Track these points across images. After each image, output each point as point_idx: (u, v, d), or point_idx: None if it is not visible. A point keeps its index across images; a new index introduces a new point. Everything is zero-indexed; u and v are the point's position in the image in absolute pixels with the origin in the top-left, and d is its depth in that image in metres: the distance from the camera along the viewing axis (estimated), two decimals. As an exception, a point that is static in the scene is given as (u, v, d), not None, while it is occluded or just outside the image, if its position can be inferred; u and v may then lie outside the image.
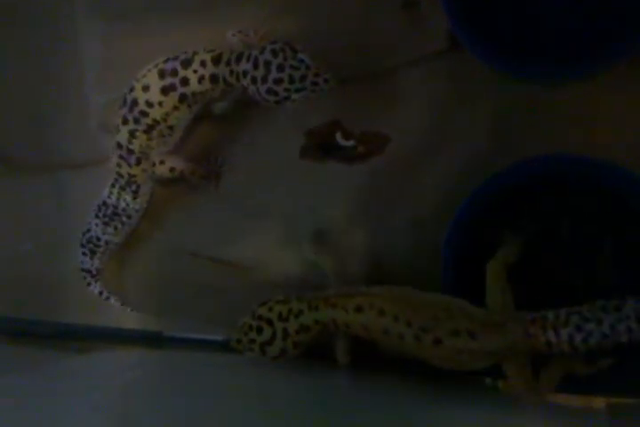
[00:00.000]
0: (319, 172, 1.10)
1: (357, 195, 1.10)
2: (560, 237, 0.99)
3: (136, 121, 1.07)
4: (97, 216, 1.16)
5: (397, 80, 1.07)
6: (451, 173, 1.05)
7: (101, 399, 0.89)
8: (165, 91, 1.04)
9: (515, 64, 0.99)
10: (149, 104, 1.05)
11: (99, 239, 1.17)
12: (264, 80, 0.98)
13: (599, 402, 0.98)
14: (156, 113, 1.06)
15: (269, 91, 0.98)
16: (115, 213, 1.15)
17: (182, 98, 1.05)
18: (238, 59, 1.02)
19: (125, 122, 1.07)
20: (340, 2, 1.08)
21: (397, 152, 1.06)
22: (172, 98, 1.05)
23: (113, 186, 1.14)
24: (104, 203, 1.15)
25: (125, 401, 0.91)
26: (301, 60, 0.97)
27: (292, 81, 0.97)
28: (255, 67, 0.99)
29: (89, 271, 1.19)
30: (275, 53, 0.98)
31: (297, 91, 0.98)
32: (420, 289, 0.97)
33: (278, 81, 0.97)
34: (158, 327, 1.20)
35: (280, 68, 0.97)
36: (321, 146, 1.09)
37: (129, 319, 1.20)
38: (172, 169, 1.13)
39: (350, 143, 1.07)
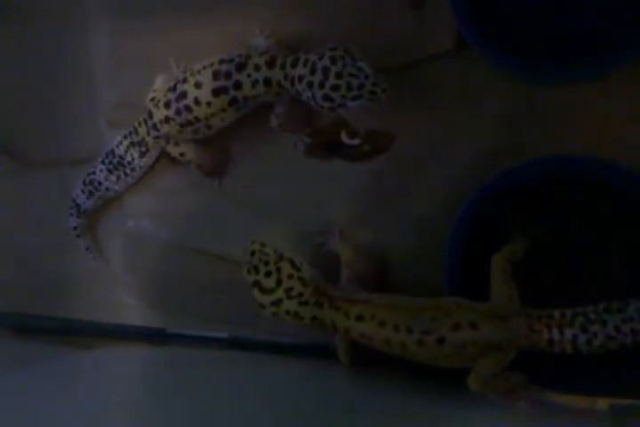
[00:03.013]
0: (324, 170, 1.10)
1: (361, 194, 1.10)
2: (566, 236, 0.99)
3: (178, 112, 1.07)
4: (103, 162, 1.18)
5: (403, 79, 1.07)
6: (455, 173, 1.05)
7: (104, 395, 0.90)
8: (217, 92, 1.04)
9: (522, 64, 0.99)
10: (197, 102, 1.06)
11: (100, 184, 1.18)
12: (321, 86, 0.97)
13: (603, 403, 0.97)
14: (200, 112, 1.06)
15: (325, 97, 0.98)
16: (120, 164, 1.16)
17: (232, 101, 1.05)
18: (294, 63, 1.01)
19: (167, 106, 1.08)
20: (347, 1, 1.08)
21: (402, 151, 1.06)
22: (222, 100, 1.05)
23: (125, 137, 1.15)
24: (112, 151, 1.17)
25: (128, 397, 0.91)
26: (360, 69, 0.96)
27: (349, 89, 0.96)
28: (312, 72, 0.98)
29: (77, 205, 1.21)
30: (334, 60, 0.97)
31: (353, 99, 0.97)
32: (423, 289, 0.97)
33: (335, 88, 0.97)
34: (162, 324, 1.20)
35: (338, 75, 0.96)
36: (326, 144, 1.09)
37: (133, 316, 1.21)
38: (182, 154, 1.14)
39: (355, 142, 1.06)
